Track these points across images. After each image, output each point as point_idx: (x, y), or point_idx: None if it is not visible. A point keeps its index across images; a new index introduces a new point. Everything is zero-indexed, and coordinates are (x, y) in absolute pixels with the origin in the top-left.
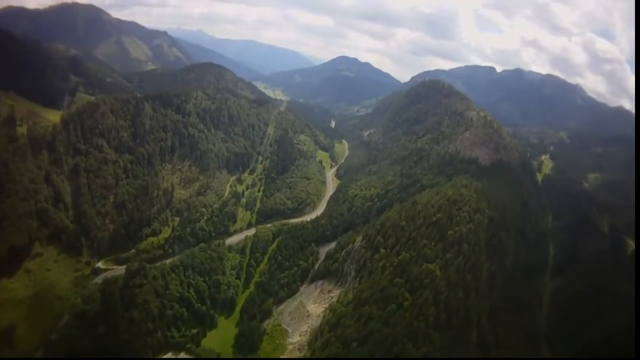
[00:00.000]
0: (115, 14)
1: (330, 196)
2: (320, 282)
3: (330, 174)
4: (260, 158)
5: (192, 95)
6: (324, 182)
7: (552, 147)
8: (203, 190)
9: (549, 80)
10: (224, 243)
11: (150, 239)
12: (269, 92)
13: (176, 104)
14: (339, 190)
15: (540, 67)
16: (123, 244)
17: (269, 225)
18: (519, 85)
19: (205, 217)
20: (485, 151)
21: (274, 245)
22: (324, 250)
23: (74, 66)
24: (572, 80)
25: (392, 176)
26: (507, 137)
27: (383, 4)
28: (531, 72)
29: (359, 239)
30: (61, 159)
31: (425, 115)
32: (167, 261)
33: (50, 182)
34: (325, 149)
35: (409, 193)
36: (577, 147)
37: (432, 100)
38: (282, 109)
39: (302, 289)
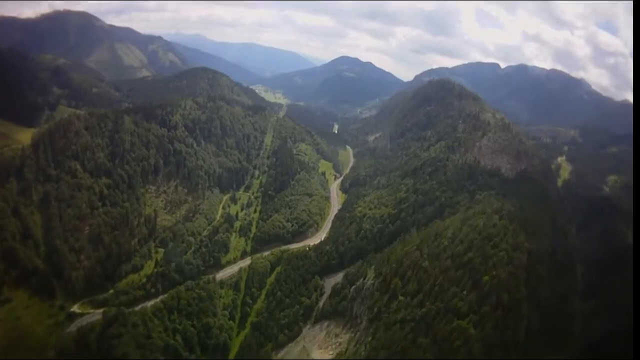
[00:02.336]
0: (113, 20)
1: (335, 215)
2: (326, 324)
3: (334, 187)
4: (257, 173)
5: (180, 105)
6: (327, 198)
7: (566, 148)
8: (191, 214)
9: (554, 75)
10: (214, 279)
11: (131, 276)
12: (269, 95)
13: (161, 116)
14: (344, 207)
15: (542, 61)
16: (100, 284)
17: (266, 253)
18: (524, 82)
19: (192, 248)
20: (506, 160)
21: (272, 277)
22: (329, 283)
23: (57, 77)
24: (575, 74)
25: (405, 192)
26: (526, 142)
27: (382, 2)
28: (535, 68)
29: (370, 273)
30: (30, 187)
31: (436, 119)
32: (149, 303)
33: (18, 215)
34: (328, 158)
35: (426, 214)
36: (591, 147)
37: (442, 102)
38: (281, 114)
39: (305, 330)
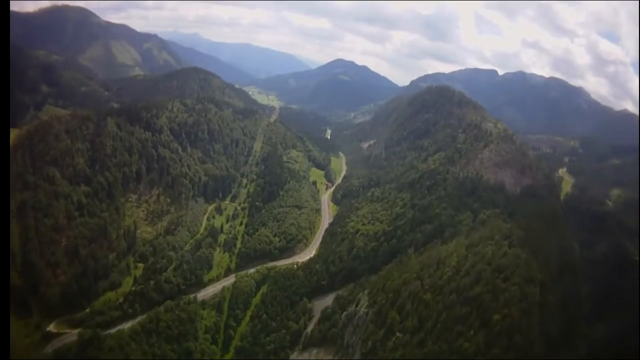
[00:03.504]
0: (112, 17)
1: (326, 229)
2: (315, 351)
3: (325, 197)
4: (245, 181)
5: (167, 107)
6: (318, 210)
7: (567, 159)
8: (173, 227)
9: (553, 83)
10: (195, 299)
11: (108, 294)
12: (263, 98)
13: (145, 118)
14: (336, 221)
15: (540, 69)
16: (76, 301)
17: (251, 270)
18: (522, 89)
19: (173, 264)
20: (510, 174)
21: (258, 298)
22: (319, 306)
23: (47, 75)
24: (574, 82)
25: (401, 207)
26: (530, 154)
27: (380, 5)
28: (534, 75)
29: (363, 299)
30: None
31: (434, 127)
32: (127, 325)
33: None
34: (320, 166)
35: (424, 233)
36: (592, 159)
37: (441, 110)
38: (272, 119)
39: (292, 357)
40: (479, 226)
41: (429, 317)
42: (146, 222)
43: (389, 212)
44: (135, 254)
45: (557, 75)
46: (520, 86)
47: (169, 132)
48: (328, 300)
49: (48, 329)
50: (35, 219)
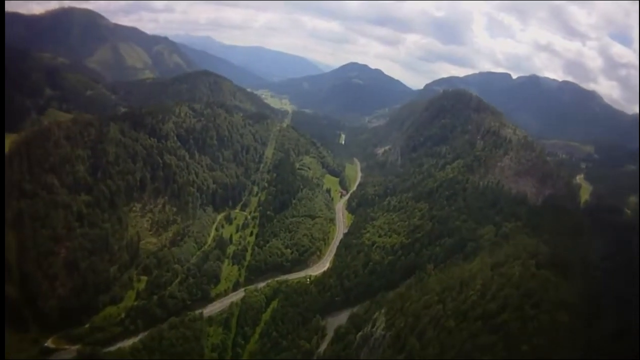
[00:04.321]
0: (122, 19)
1: (341, 240)
2: None
3: (340, 206)
4: (255, 189)
5: (174, 111)
6: (332, 220)
7: (583, 165)
8: (179, 238)
9: (566, 87)
10: (201, 315)
11: (109, 308)
12: (275, 101)
13: (150, 124)
14: (351, 231)
15: (552, 72)
16: (75, 316)
17: (261, 285)
18: (536, 93)
19: (179, 278)
20: (531, 184)
21: (268, 314)
22: (332, 324)
23: (51, 78)
24: (586, 85)
25: (419, 218)
26: (550, 162)
27: (393, 8)
28: (547, 79)
29: (380, 320)
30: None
31: (451, 133)
32: (128, 343)
33: None
34: (334, 173)
35: (444, 248)
36: (608, 165)
37: (458, 115)
38: (285, 123)
39: None
40: (502, 241)
41: (452, 345)
42: (150, 233)
43: (407, 223)
44: (138, 267)
45: (569, 78)
46: (534, 90)
47: (175, 138)
48: (342, 317)
49: (46, 344)
50: (33, 229)
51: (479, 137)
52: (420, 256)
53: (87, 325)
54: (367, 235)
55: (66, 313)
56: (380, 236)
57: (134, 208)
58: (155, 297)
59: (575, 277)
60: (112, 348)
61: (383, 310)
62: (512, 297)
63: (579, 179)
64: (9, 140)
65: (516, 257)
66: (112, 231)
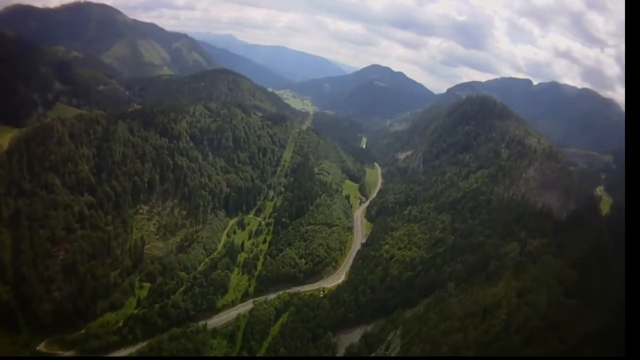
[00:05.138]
0: (142, 16)
1: (358, 251)
2: None
3: (359, 214)
4: (271, 194)
5: (188, 110)
6: (350, 229)
7: (603, 176)
8: (187, 243)
9: (586, 94)
10: (205, 327)
11: (107, 315)
12: (297, 102)
13: (162, 123)
14: (369, 242)
15: (571, 79)
16: (71, 321)
17: (272, 296)
18: (556, 100)
19: (184, 287)
20: (556, 197)
21: (277, 328)
22: (343, 341)
23: (61, 72)
24: (603, 93)
25: (441, 230)
26: (574, 174)
27: (415, 11)
28: (567, 86)
29: (395, 341)
30: (0, 202)
31: (475, 141)
32: (124, 352)
33: None
34: (354, 179)
35: (466, 265)
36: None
37: (482, 122)
38: (305, 126)
39: None
40: (527, 261)
41: None
42: (157, 237)
43: (428, 236)
44: (141, 273)
45: (587, 85)
46: (554, 97)
47: (188, 138)
48: (355, 335)
49: (37, 348)
50: (30, 229)
51: (503, 146)
52: (441, 272)
53: (82, 331)
54: (386, 247)
55: (61, 317)
56: (399, 249)
57: (141, 210)
58: (157, 305)
59: (603, 307)
60: (108, 357)
61: (399, 332)
62: (538, 331)
63: (599, 190)
64: (10, 135)
65: (543, 282)
66: (115, 234)
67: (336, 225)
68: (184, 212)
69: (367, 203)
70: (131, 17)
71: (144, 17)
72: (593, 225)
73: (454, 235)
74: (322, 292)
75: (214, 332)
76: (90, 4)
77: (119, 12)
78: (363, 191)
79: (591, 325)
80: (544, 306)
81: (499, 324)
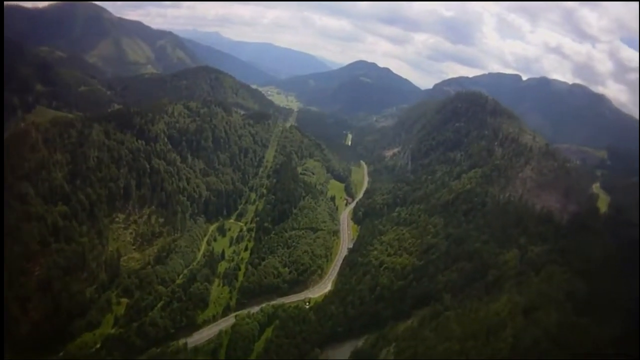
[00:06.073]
0: (130, 14)
1: (345, 257)
2: None
3: (345, 215)
4: (253, 197)
5: (166, 111)
6: (336, 233)
7: (599, 173)
8: (164, 254)
9: (577, 90)
10: (185, 345)
11: (85, 335)
12: (282, 98)
13: (138, 125)
14: (356, 247)
15: (561, 75)
16: (48, 343)
17: (255, 309)
18: (546, 96)
19: (162, 302)
20: (555, 199)
21: (261, 344)
22: (333, 357)
23: (43, 73)
24: (594, 88)
25: (433, 235)
26: (573, 173)
27: (402, 6)
28: (557, 81)
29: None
30: None
31: (466, 138)
32: None
33: None
34: (339, 178)
35: (463, 274)
36: (623, 173)
37: (473, 119)
38: (288, 124)
39: None
40: (530, 270)
41: None
42: (134, 248)
43: (419, 241)
44: (118, 288)
45: (578, 81)
46: (545, 92)
47: (166, 140)
48: (344, 351)
49: None
50: (3, 244)
51: (496, 144)
52: (435, 282)
53: (61, 354)
54: (375, 252)
55: (39, 340)
56: (389, 255)
57: (117, 219)
58: (135, 324)
59: (616, 325)
60: None
61: (392, 349)
62: (549, 353)
63: (595, 188)
64: None
65: (550, 297)
66: (90, 246)
67: (321, 229)
68: (162, 220)
69: (354, 204)
70: (118, 15)
71: (132, 15)
72: (594, 227)
73: (448, 240)
74: (307, 303)
75: (196, 350)
76: (77, 2)
77: (105, 10)
78: (349, 191)
79: (606, 346)
80: (554, 326)
81: (505, 348)
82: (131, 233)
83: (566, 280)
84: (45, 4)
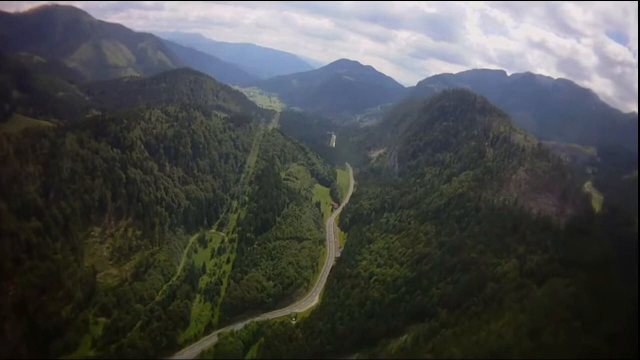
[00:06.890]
0: (111, 17)
1: (332, 267)
2: None
3: (331, 222)
4: (235, 205)
5: (143, 116)
6: (322, 242)
7: (590, 171)
8: (143, 269)
9: (562, 84)
10: None
11: (62, 357)
12: (264, 99)
13: (114, 133)
14: (344, 257)
15: (545, 70)
16: None
17: (239, 326)
18: (531, 91)
19: (140, 322)
20: (552, 202)
21: None
22: None
23: (19, 80)
24: (579, 83)
25: (425, 244)
26: (568, 174)
27: (384, 4)
28: (542, 76)
29: None
30: None
31: (455, 138)
32: None
33: None
34: (324, 182)
35: (458, 287)
36: (613, 169)
37: (462, 118)
38: (270, 127)
39: None
40: (531, 283)
41: None
42: (111, 263)
43: (410, 250)
44: (95, 306)
45: (562, 75)
46: (529, 88)
47: (143, 147)
48: None
49: None
50: None
51: (487, 144)
52: (429, 296)
53: None
54: (364, 263)
55: None
56: (379, 266)
57: (92, 233)
58: (113, 346)
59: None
60: None
61: None
62: None
63: (587, 186)
64: None
65: (555, 315)
66: (65, 263)
67: (307, 238)
68: (139, 232)
69: (340, 210)
70: (99, 18)
71: (114, 18)
72: (592, 231)
73: (441, 249)
74: (293, 319)
75: None
76: (57, 6)
77: (85, 13)
78: (335, 196)
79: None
80: (563, 351)
81: None
82: (107, 247)
83: (571, 295)
84: (26, 8)
